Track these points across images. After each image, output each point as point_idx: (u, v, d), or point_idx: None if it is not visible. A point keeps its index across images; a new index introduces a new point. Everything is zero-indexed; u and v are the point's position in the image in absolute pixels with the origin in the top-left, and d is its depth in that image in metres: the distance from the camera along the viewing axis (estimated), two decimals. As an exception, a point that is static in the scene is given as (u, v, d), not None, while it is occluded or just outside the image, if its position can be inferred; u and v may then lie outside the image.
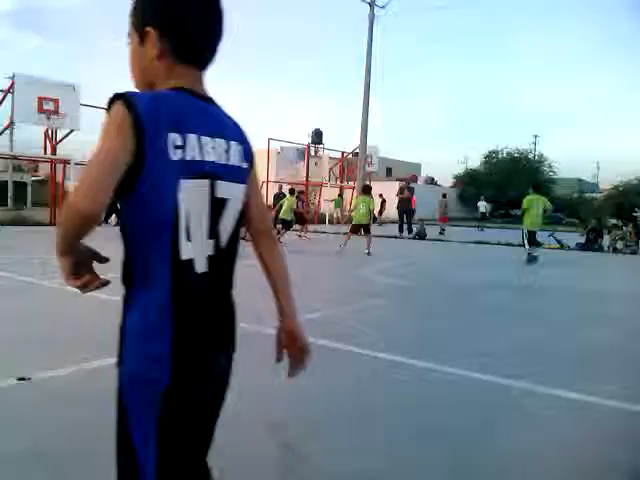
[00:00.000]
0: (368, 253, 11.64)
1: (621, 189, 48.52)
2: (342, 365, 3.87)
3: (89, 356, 3.60)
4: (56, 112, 16.39)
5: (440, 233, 20.00)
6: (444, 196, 23.15)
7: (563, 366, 4.03)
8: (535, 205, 11.71)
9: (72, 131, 17.42)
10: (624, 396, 3.34)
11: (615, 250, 15.20)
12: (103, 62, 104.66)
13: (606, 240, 15.79)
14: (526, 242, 11.65)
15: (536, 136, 56.41)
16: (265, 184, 27.09)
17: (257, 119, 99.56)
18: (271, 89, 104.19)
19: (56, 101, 16.38)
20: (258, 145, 39.66)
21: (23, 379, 3.20)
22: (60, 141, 17.69)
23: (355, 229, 12.50)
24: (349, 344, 4.30)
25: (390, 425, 2.87)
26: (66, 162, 17.69)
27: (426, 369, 3.75)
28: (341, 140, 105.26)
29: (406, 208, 19.20)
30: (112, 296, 6.31)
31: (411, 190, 19.75)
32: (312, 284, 7.37)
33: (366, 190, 13.23)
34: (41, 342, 4.06)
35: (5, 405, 2.93)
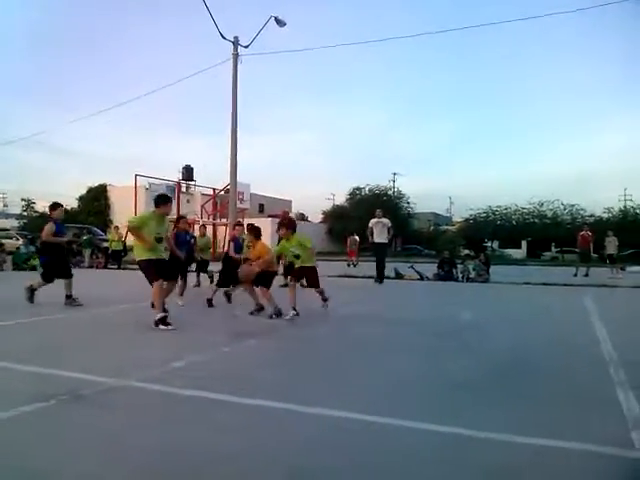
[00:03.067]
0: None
1: (471, 221, 53.67)
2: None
3: None
4: None
5: (349, 266, 24.04)
6: (352, 234, 27.21)
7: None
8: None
9: None
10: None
11: (469, 279, 16.64)
12: None
13: (459, 270, 17.26)
14: None
15: (395, 174, 60.92)
16: (132, 222, 25.77)
17: (124, 154, 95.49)
18: (139, 124, 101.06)
19: None
20: (125, 181, 37.91)
21: None
22: None
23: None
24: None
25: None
26: None
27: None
28: (213, 177, 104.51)
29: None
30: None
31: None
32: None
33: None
34: None
35: None
